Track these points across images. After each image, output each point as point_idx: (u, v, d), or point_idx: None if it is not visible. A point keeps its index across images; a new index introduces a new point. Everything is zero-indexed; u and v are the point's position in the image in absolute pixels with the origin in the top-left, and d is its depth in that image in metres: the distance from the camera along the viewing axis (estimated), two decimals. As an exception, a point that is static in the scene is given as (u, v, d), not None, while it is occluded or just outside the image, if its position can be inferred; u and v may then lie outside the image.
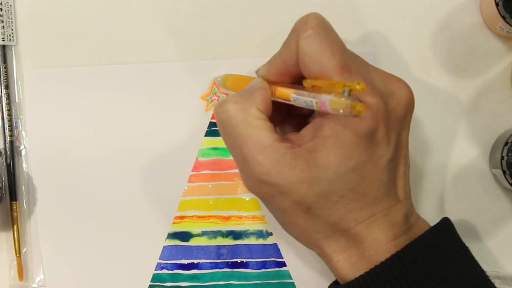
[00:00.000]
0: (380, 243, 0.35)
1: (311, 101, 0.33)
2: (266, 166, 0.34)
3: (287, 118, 0.42)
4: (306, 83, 0.35)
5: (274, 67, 0.38)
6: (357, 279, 0.35)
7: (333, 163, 0.34)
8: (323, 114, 0.35)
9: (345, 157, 0.34)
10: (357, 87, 0.31)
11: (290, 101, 0.36)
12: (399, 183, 0.37)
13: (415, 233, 0.36)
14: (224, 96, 0.48)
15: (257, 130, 0.35)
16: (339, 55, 0.35)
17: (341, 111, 0.31)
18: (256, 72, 0.40)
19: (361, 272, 0.35)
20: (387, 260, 0.34)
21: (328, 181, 0.34)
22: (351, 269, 0.36)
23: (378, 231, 0.35)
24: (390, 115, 0.35)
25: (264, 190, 0.35)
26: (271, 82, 0.38)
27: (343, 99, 0.31)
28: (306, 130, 0.37)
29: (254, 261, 0.47)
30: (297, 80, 0.37)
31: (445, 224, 0.37)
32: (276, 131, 0.36)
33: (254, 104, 0.36)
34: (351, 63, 0.35)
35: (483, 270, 0.37)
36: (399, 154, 0.37)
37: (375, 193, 0.35)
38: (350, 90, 0.31)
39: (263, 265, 0.47)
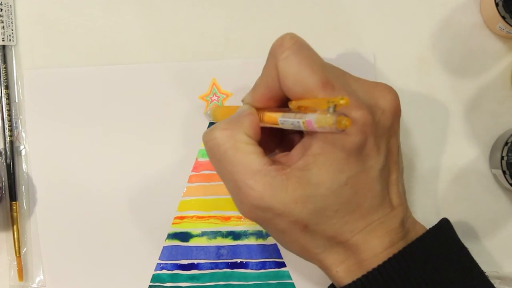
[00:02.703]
0: (377, 251, 0.35)
1: (298, 122, 0.33)
2: (258, 190, 0.34)
3: (274, 139, 0.42)
4: (292, 104, 0.35)
5: (258, 93, 0.38)
6: (354, 282, 0.35)
7: (325, 180, 0.34)
8: (311, 133, 0.35)
9: (336, 172, 0.34)
10: (341, 102, 0.31)
11: (278, 125, 0.36)
12: (392, 190, 0.37)
13: (411, 238, 0.36)
14: (224, 96, 0.48)
15: (246, 156, 0.35)
16: (319, 72, 0.35)
17: (327, 127, 0.31)
18: (242, 100, 0.39)
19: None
20: (384, 263, 0.34)
21: (322, 197, 0.34)
22: (349, 278, 0.36)
23: (375, 240, 0.35)
24: (377, 125, 0.35)
25: (259, 214, 0.35)
26: (258, 109, 0.38)
27: (328, 115, 0.31)
28: (296, 151, 0.37)
29: (254, 262, 0.47)
30: (283, 104, 0.37)
31: (444, 225, 0.37)
32: (265, 155, 0.36)
33: (242, 130, 0.36)
34: (333, 78, 0.35)
35: (482, 270, 0.37)
36: (390, 162, 0.36)
37: (370, 203, 0.35)
38: (335, 106, 0.31)
39: (263, 265, 0.47)
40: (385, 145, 0.36)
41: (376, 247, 0.35)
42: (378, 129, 0.35)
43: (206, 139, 0.37)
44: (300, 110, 0.34)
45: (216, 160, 0.37)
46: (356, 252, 0.35)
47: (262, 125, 0.37)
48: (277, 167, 0.35)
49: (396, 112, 0.37)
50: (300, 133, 0.40)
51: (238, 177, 0.35)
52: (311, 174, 0.34)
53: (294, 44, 0.36)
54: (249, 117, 0.37)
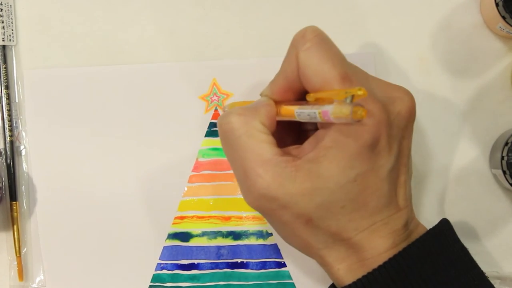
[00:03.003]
0: (380, 251, 0.35)
1: (314, 113, 0.33)
2: (267, 179, 0.34)
3: (291, 135, 0.42)
4: (309, 97, 0.35)
5: (277, 85, 0.38)
6: (354, 283, 0.35)
7: (334, 174, 0.34)
8: (325, 126, 0.35)
9: (346, 167, 0.34)
10: (359, 92, 0.31)
11: (295, 117, 0.36)
12: (400, 192, 0.36)
13: (413, 239, 0.36)
14: (225, 96, 0.48)
15: (259, 143, 0.35)
16: (339, 65, 0.35)
17: (343, 118, 0.31)
18: (260, 94, 0.40)
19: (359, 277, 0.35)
20: (385, 263, 0.34)
21: (330, 191, 0.34)
22: (351, 276, 0.35)
23: (378, 240, 0.35)
24: (391, 124, 0.35)
25: (264, 204, 0.35)
26: (276, 102, 0.38)
27: (345, 106, 0.31)
28: (308, 143, 0.37)
29: (254, 262, 0.47)
30: (301, 97, 0.38)
31: (444, 226, 0.37)
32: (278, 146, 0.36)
33: (258, 118, 0.36)
34: (352, 73, 0.35)
35: (482, 271, 0.37)
36: (400, 163, 0.36)
37: (376, 203, 0.35)
38: (352, 97, 0.31)
39: (263, 265, 0.47)
40: (397, 146, 0.36)
41: (379, 247, 0.35)
42: (392, 129, 0.35)
43: (221, 122, 0.37)
44: (317, 102, 0.35)
45: (228, 144, 0.37)
46: (358, 250, 0.35)
47: (279, 118, 0.38)
48: (287, 158, 0.35)
49: (411, 115, 0.37)
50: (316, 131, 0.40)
51: (248, 164, 0.35)
52: (320, 167, 0.34)
53: (316, 37, 0.36)
54: (266, 107, 0.37)
